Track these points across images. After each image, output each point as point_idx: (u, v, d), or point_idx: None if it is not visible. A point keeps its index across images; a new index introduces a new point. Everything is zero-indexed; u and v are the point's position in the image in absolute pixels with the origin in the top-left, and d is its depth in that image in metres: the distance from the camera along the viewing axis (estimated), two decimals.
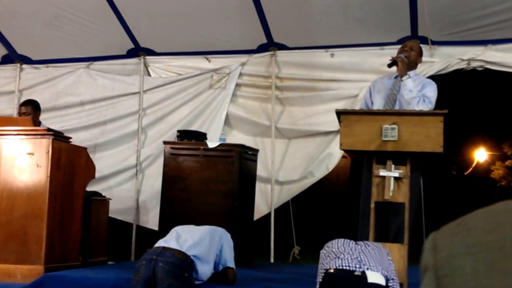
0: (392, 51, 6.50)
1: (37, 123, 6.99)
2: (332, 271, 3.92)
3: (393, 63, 5.70)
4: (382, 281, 3.85)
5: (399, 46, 6.39)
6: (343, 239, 4.22)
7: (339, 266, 3.92)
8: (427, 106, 5.56)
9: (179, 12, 7.78)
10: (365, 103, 6.07)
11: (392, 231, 5.52)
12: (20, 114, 7.26)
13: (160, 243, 4.82)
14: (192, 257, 4.69)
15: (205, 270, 4.82)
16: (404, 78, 5.64)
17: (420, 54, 6.11)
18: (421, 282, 0.84)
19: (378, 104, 5.79)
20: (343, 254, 4.00)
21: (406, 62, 5.78)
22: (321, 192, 13.01)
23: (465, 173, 16.46)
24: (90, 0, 7.85)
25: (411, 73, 5.90)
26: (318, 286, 4.07)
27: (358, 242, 4.21)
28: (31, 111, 7.10)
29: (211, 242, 4.94)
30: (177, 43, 8.23)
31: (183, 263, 4.62)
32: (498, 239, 0.77)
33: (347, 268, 3.90)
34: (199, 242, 4.85)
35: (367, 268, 3.88)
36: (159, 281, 4.48)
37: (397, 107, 5.65)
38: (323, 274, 3.99)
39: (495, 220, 0.79)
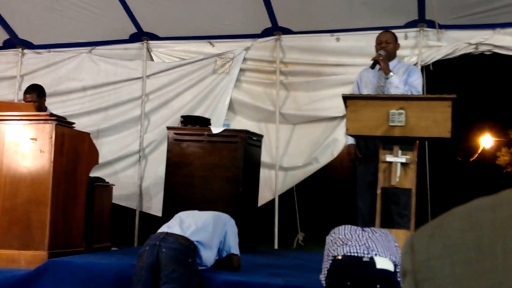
0: (399, 35, 6.49)
1: (43, 108, 6.92)
2: (340, 257, 3.88)
3: (375, 63, 5.78)
4: (390, 267, 3.81)
5: (406, 30, 6.37)
6: (349, 226, 4.18)
7: (347, 252, 3.88)
8: None
9: None
10: None
11: (396, 218, 5.56)
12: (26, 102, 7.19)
13: (164, 228, 4.78)
14: (195, 242, 4.65)
15: (208, 256, 4.77)
16: (388, 76, 5.71)
17: (396, 41, 6.25)
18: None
19: None
20: (351, 241, 3.95)
21: (387, 57, 5.88)
22: (325, 178, 12.95)
23: (471, 159, 16.39)
24: None
25: (393, 62, 6.02)
26: (324, 272, 4.03)
27: (364, 229, 4.16)
28: (36, 99, 7.02)
29: (214, 228, 4.90)
30: (180, 27, 8.17)
31: (186, 248, 4.57)
32: (474, 238, 0.74)
33: (355, 254, 3.85)
34: (203, 227, 4.80)
35: (375, 254, 3.83)
36: (162, 267, 4.44)
37: None
38: (330, 261, 3.94)
39: (470, 219, 0.76)
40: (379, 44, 6.11)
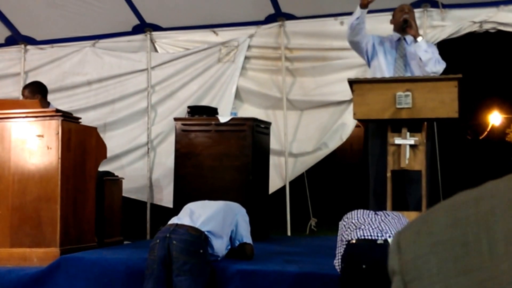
0: None
1: (45, 105, 6.90)
2: (354, 241, 3.87)
3: (406, 22, 5.60)
4: None
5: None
6: (362, 210, 4.17)
7: (360, 236, 3.87)
8: (442, 66, 5.48)
9: None
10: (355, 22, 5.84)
11: (411, 201, 5.44)
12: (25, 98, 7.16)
13: (174, 220, 4.78)
14: (206, 232, 4.64)
15: (219, 245, 4.77)
16: (419, 39, 5.55)
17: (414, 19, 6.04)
18: None
19: (387, 69, 5.68)
20: (364, 225, 3.95)
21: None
22: (335, 162, 12.93)
23: (480, 138, 16.32)
24: None
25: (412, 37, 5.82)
26: (338, 257, 4.02)
27: (377, 212, 4.15)
28: (37, 95, 6.99)
29: (225, 217, 4.89)
30: (183, 17, 8.13)
31: (197, 239, 4.57)
32: (459, 234, 0.74)
33: (369, 237, 3.85)
34: (213, 217, 4.80)
35: (389, 236, 3.83)
36: (174, 259, 4.44)
37: (408, 73, 5.56)
38: (344, 246, 3.93)
39: (455, 214, 0.76)
40: (401, 11, 5.89)
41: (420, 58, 5.50)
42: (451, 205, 0.78)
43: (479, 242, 0.72)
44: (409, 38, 5.78)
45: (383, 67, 5.72)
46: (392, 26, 7.24)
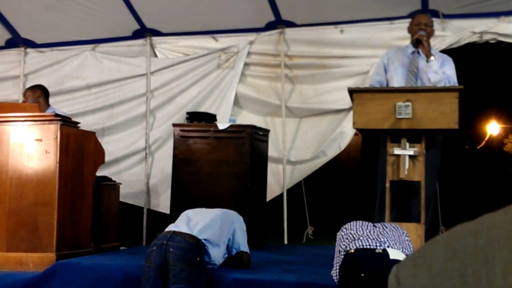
0: (403, 25, 6.40)
1: (46, 107, 6.90)
2: (352, 251, 3.87)
3: (418, 41, 5.52)
4: (403, 258, 3.79)
5: (409, 20, 6.20)
6: (360, 221, 4.16)
7: (359, 246, 3.87)
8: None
9: None
10: (377, 81, 5.85)
11: (414, 212, 5.41)
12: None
13: (171, 227, 4.76)
14: (203, 240, 4.62)
15: (216, 253, 4.75)
16: (430, 59, 5.46)
17: (433, 26, 5.94)
18: None
19: (398, 83, 5.62)
20: (362, 236, 3.95)
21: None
22: (332, 170, 12.93)
23: (478, 147, 16.35)
24: None
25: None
26: (336, 268, 4.01)
27: (375, 224, 4.14)
28: (37, 99, 6.98)
29: (222, 225, 4.87)
30: (184, 22, 8.12)
31: (194, 247, 4.55)
32: (458, 267, 0.75)
33: (368, 247, 3.84)
34: (210, 225, 4.78)
35: (388, 246, 3.83)
36: (170, 267, 4.42)
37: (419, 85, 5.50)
38: (342, 256, 3.93)
39: (453, 247, 0.77)
40: (417, 25, 5.69)
41: (429, 79, 5.45)
42: (449, 238, 0.79)
43: (478, 274, 0.73)
44: None
45: (395, 82, 5.67)
46: (391, 34, 7.27)
